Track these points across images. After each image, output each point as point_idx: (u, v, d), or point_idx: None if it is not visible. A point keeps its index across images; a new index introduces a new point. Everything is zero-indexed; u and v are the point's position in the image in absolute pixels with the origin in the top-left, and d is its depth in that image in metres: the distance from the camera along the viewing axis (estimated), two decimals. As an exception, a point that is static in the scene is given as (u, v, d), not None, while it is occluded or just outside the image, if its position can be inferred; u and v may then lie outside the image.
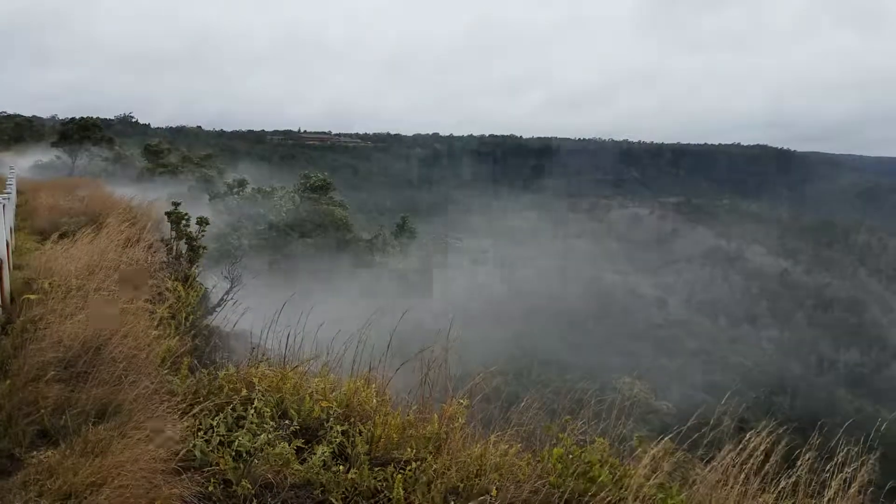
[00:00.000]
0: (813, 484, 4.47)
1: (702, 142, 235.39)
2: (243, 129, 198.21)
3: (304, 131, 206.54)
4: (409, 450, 4.98)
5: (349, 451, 5.01)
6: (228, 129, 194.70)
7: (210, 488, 4.37)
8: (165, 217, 13.75)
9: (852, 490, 4.33)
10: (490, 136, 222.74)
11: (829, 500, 4.37)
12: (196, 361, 6.61)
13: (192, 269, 12.12)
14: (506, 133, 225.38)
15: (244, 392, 5.51)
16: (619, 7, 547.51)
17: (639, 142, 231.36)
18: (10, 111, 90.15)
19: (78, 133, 56.62)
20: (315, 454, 4.82)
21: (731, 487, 4.45)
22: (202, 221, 13.57)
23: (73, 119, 59.47)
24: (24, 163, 47.16)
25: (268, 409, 5.27)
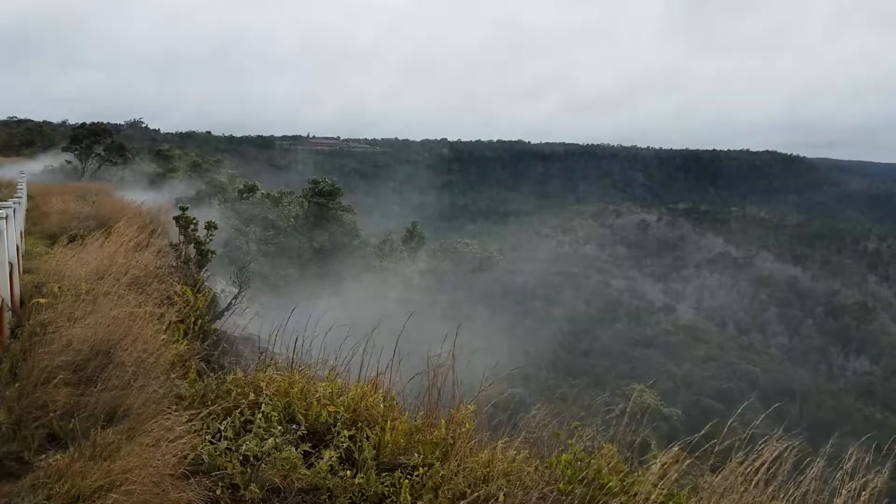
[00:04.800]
0: (823, 493, 4.43)
1: (710, 147, 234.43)
2: (253, 135, 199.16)
3: (313, 136, 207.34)
4: (416, 455, 4.96)
5: (356, 455, 5.00)
6: (238, 134, 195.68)
7: (218, 493, 4.36)
8: (174, 221, 13.82)
9: (863, 499, 4.29)
10: (498, 141, 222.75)
11: (839, 509, 4.32)
12: (204, 366, 6.62)
13: (201, 273, 12.16)
14: (514, 139, 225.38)
15: (252, 396, 5.52)
16: (634, 15, 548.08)
17: (647, 147, 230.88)
18: (25, 116, 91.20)
19: (88, 138, 56.88)
20: (322, 459, 4.82)
21: (741, 495, 4.42)
22: (210, 226, 13.64)
23: (83, 124, 59.78)
24: (34, 167, 47.43)
25: (275, 414, 5.27)
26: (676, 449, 4.72)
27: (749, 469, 4.48)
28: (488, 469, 4.80)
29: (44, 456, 4.39)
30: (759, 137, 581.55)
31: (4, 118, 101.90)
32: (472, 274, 67.82)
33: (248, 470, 4.62)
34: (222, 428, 5.05)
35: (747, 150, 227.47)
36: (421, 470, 4.74)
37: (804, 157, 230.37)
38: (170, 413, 4.83)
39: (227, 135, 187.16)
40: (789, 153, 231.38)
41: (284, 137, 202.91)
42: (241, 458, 4.73)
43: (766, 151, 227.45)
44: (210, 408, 5.22)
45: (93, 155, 56.97)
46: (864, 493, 4.30)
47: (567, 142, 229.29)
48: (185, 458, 4.39)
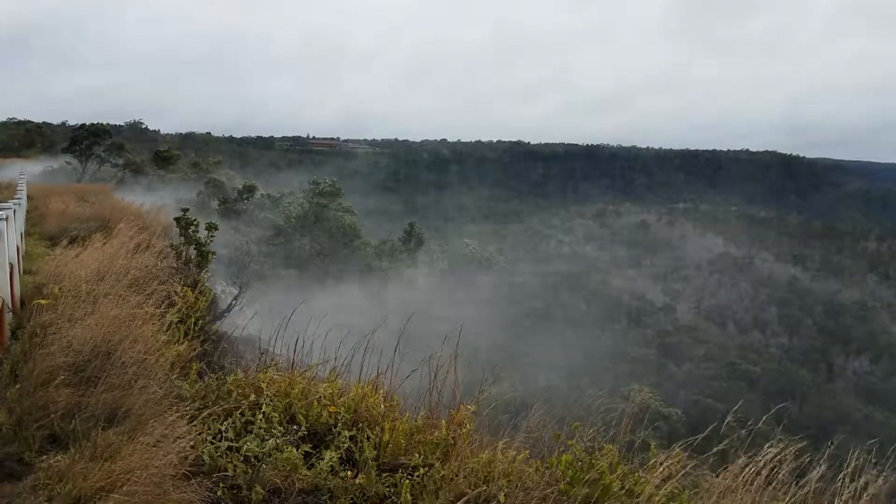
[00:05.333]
0: (826, 493, 4.43)
1: (711, 148, 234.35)
2: (252, 136, 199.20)
3: (313, 137, 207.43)
4: (416, 455, 4.96)
5: (357, 456, 5.00)
6: (238, 135, 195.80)
7: (219, 493, 4.36)
8: (174, 223, 13.82)
9: (865, 498, 4.29)
10: (498, 141, 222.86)
11: (840, 508, 4.32)
12: (205, 366, 6.62)
13: (201, 274, 12.16)
14: (513, 139, 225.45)
15: (252, 397, 5.52)
16: (634, 15, 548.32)
17: (647, 147, 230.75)
18: (24, 117, 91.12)
19: (88, 139, 56.87)
20: (323, 459, 4.82)
21: (742, 496, 4.42)
22: (211, 227, 13.62)
23: (83, 125, 59.76)
24: (34, 168, 47.44)
25: (276, 415, 5.27)
26: (677, 450, 4.73)
27: (750, 470, 4.48)
28: (489, 469, 4.79)
29: (45, 457, 4.38)
30: (759, 137, 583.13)
31: (4, 119, 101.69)
32: (472, 274, 67.80)
33: (250, 470, 4.62)
34: (223, 429, 5.05)
35: (747, 150, 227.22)
36: (422, 470, 4.74)
37: (804, 157, 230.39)
38: (171, 414, 4.83)
39: (227, 136, 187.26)
40: (789, 153, 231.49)
41: (284, 138, 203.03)
42: (242, 458, 4.73)
43: (766, 151, 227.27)
44: (211, 408, 5.22)
45: (93, 156, 56.99)
46: (865, 494, 4.30)
47: (567, 142, 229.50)
48: (187, 458, 4.39)
